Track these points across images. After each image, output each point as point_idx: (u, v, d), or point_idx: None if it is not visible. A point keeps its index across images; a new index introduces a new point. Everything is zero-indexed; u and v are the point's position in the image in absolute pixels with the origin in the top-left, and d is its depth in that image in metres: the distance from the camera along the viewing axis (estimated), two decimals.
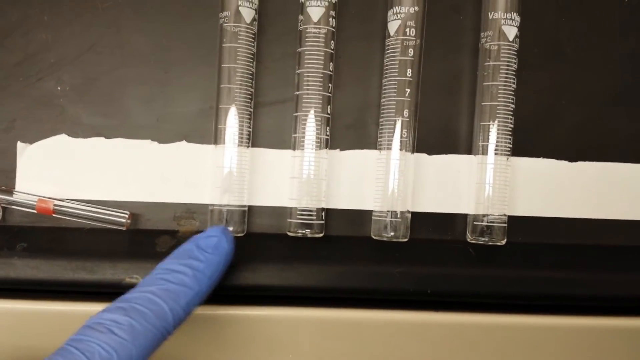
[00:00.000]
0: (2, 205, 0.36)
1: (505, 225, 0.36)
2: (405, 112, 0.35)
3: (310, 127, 0.35)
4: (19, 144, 0.36)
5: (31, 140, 0.36)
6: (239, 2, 0.34)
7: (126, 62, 0.37)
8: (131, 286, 0.34)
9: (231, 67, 0.35)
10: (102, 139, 0.36)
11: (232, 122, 0.35)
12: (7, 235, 0.35)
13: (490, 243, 0.35)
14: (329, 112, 0.35)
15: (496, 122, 0.35)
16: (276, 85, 0.37)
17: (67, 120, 0.37)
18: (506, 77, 0.35)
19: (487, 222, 0.36)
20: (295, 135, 0.36)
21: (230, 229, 0.35)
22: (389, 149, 0.36)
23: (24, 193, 0.35)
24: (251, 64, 0.35)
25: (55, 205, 0.35)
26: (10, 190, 0.36)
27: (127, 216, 0.35)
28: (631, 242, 0.38)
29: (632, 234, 0.38)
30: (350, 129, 0.37)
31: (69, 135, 0.36)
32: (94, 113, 0.37)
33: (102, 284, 0.34)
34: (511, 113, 0.36)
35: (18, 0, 0.37)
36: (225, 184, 0.35)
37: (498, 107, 0.35)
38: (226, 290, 0.34)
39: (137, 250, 0.35)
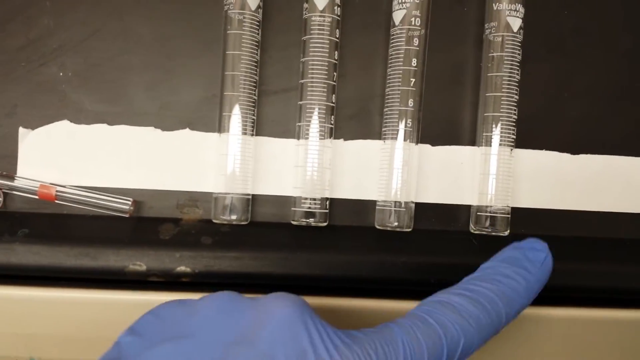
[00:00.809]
0: (4, 190, 0.35)
1: (509, 216, 0.36)
2: (410, 102, 0.35)
3: (315, 116, 0.35)
4: (21, 130, 0.36)
5: (33, 126, 0.36)
6: None
7: (129, 48, 0.37)
8: (135, 273, 0.34)
9: (235, 55, 0.34)
10: (105, 125, 0.36)
11: (237, 110, 0.35)
12: (9, 222, 0.35)
13: (493, 234, 0.36)
14: (333, 101, 0.35)
15: (500, 113, 0.36)
16: (280, 74, 0.37)
17: (70, 106, 0.36)
18: (510, 68, 0.36)
19: (491, 213, 0.36)
20: (299, 124, 0.35)
21: (234, 217, 0.35)
22: (393, 139, 0.36)
23: (26, 179, 0.35)
24: (256, 52, 0.35)
25: (57, 191, 0.35)
26: (11, 176, 0.35)
27: (130, 203, 0.35)
28: (633, 235, 0.38)
29: (634, 227, 0.38)
30: (354, 119, 0.37)
31: (71, 122, 0.36)
32: (97, 99, 0.36)
33: (105, 270, 0.34)
34: (515, 104, 0.36)
35: None
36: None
37: (502, 98, 0.36)
38: (229, 278, 0.34)
39: (140, 238, 0.35)
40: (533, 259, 0.29)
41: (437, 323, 0.25)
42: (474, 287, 0.27)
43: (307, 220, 0.35)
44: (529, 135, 0.38)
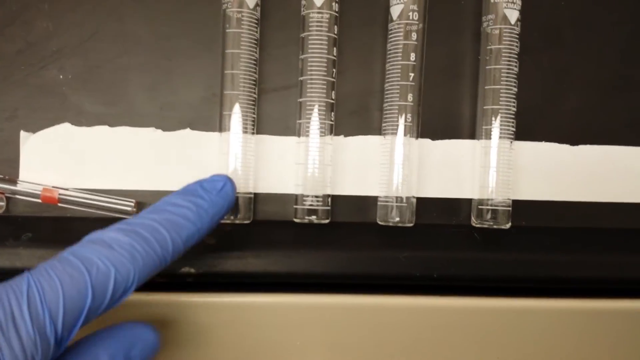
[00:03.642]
0: (6, 195, 0.35)
1: (510, 209, 0.36)
2: (410, 97, 0.35)
3: (315, 113, 0.35)
4: (22, 133, 0.36)
5: (34, 130, 0.36)
6: None
7: (129, 50, 0.37)
8: None
9: (235, 53, 0.35)
10: (106, 127, 0.36)
11: (237, 108, 0.35)
12: (12, 226, 0.35)
13: (495, 226, 0.36)
14: (333, 98, 0.36)
15: (499, 105, 0.36)
16: (280, 72, 0.37)
17: (71, 108, 0.36)
18: (508, 61, 0.36)
19: (492, 206, 0.36)
20: (299, 121, 0.36)
21: (237, 216, 0.35)
22: (394, 134, 0.36)
23: (28, 182, 0.35)
24: (255, 50, 0.35)
25: (60, 194, 0.35)
26: (14, 180, 0.36)
27: (133, 204, 0.35)
28: (634, 225, 0.38)
29: (634, 217, 0.38)
30: (354, 115, 0.38)
31: (72, 124, 0.36)
32: (97, 101, 0.37)
33: None
34: (514, 96, 0.36)
35: None
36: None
37: (501, 91, 0.36)
38: (233, 278, 0.35)
39: None
40: (209, 187, 0.29)
41: (80, 259, 0.25)
42: (133, 220, 0.27)
43: (310, 218, 0.35)
44: (528, 127, 0.38)
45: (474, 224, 0.37)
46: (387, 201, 0.36)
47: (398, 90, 0.35)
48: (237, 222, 0.35)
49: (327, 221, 0.36)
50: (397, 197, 0.36)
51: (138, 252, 0.26)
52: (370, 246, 0.36)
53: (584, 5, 0.39)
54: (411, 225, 0.36)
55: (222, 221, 0.35)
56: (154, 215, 0.28)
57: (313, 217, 0.35)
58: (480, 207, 0.36)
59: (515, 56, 0.36)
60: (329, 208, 0.36)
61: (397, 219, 0.36)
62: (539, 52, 0.38)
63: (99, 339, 0.28)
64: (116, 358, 0.27)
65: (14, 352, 0.22)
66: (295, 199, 0.36)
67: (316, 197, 0.35)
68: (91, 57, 0.37)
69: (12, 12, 0.36)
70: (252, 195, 0.36)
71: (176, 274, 0.34)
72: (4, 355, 0.22)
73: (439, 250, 0.36)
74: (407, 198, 0.36)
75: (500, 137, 0.36)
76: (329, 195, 0.36)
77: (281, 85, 0.37)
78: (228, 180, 0.30)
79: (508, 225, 0.36)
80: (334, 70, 0.35)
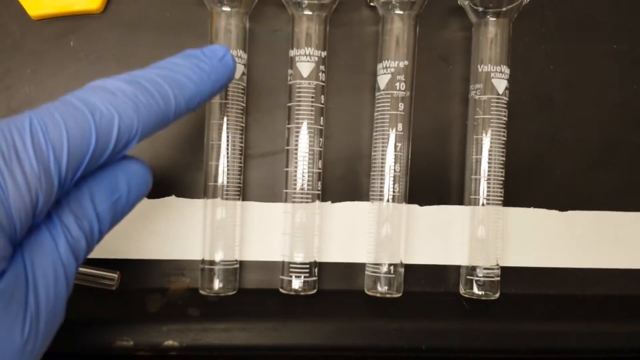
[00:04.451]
0: None
1: (499, 279, 0.36)
2: (397, 166, 0.35)
3: (301, 182, 0.35)
4: None
5: None
6: None
7: None
8: (122, 349, 0.34)
9: (220, 123, 0.34)
10: None
11: (222, 177, 0.34)
12: None
13: (484, 298, 0.35)
14: (320, 167, 0.35)
15: (487, 173, 0.35)
16: (266, 138, 0.37)
17: None
18: (497, 130, 0.35)
19: (480, 277, 0.35)
20: (286, 190, 0.35)
21: (221, 287, 0.34)
22: (381, 200, 0.35)
23: None
24: (241, 119, 0.35)
25: None
26: None
27: (116, 277, 0.34)
28: (624, 292, 0.38)
29: (625, 283, 0.38)
30: (342, 181, 0.37)
31: None
32: None
33: (91, 346, 0.33)
34: (502, 165, 0.36)
35: None
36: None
37: (489, 159, 0.35)
38: (218, 351, 0.34)
39: (127, 311, 0.34)
40: (209, 54, 0.28)
41: (84, 103, 0.24)
42: (135, 72, 0.26)
43: (296, 289, 0.35)
44: (515, 192, 0.37)
45: (462, 294, 0.36)
46: (374, 271, 0.35)
47: (385, 159, 0.35)
48: (222, 294, 0.35)
49: (313, 291, 0.35)
50: (384, 266, 0.35)
51: (141, 102, 0.25)
52: (358, 317, 0.35)
53: (572, 69, 0.39)
54: (399, 295, 0.35)
55: (207, 294, 0.35)
56: (155, 70, 0.26)
57: (299, 289, 0.35)
58: (469, 277, 0.36)
59: (504, 125, 0.36)
60: (315, 278, 0.35)
61: (385, 288, 0.35)
62: (527, 117, 0.38)
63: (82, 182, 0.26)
64: (102, 197, 0.26)
65: (18, 185, 0.21)
66: (282, 268, 0.35)
67: (303, 267, 0.35)
68: None
69: None
70: (238, 266, 0.35)
71: (159, 348, 0.34)
72: (7, 187, 0.21)
73: (427, 321, 0.35)
74: (395, 267, 0.35)
75: (488, 204, 0.36)
76: (316, 264, 0.35)
77: (268, 151, 0.37)
78: (228, 51, 0.29)
79: (497, 296, 0.36)
80: (321, 139, 0.35)
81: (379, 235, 0.35)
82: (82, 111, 0.23)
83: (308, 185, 0.35)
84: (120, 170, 0.26)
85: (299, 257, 0.35)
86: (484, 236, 0.36)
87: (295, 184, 0.35)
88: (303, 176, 0.35)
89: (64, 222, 0.24)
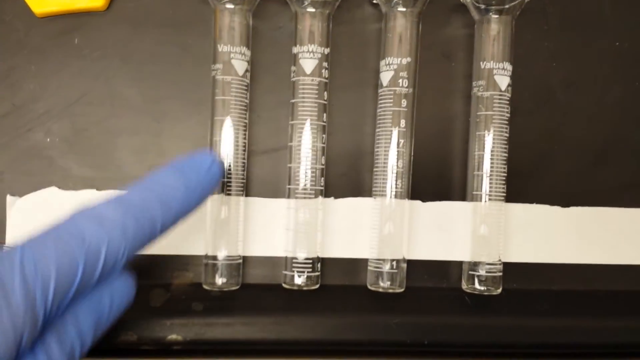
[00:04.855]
0: None
1: (501, 274, 0.36)
2: (400, 163, 0.35)
3: (304, 178, 0.35)
4: (9, 197, 0.36)
5: (21, 193, 0.36)
6: (231, 55, 0.34)
7: (117, 112, 0.36)
8: (126, 343, 0.34)
9: (224, 120, 0.34)
10: (94, 190, 0.36)
11: (226, 173, 0.34)
12: None
13: (485, 293, 0.35)
14: (323, 163, 0.35)
15: (490, 170, 0.35)
16: (269, 134, 0.37)
17: (58, 172, 0.36)
18: (499, 126, 0.36)
19: (483, 272, 0.36)
20: (289, 186, 0.35)
21: (224, 282, 0.35)
22: (384, 196, 0.35)
23: None
24: (244, 116, 0.35)
25: None
26: (0, 245, 0.35)
27: None
28: (626, 287, 0.38)
29: (628, 279, 0.38)
30: (344, 177, 0.37)
31: (59, 188, 0.36)
32: (84, 164, 0.36)
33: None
34: (504, 161, 0.36)
35: (3, 51, 0.36)
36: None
37: (491, 156, 0.35)
38: (221, 345, 0.34)
39: (131, 305, 0.34)
40: (197, 165, 0.29)
41: (71, 233, 0.25)
42: (123, 196, 0.27)
43: (299, 284, 0.35)
44: (518, 188, 0.38)
45: (464, 289, 0.37)
46: (377, 266, 0.35)
47: (387, 155, 0.35)
48: (225, 289, 0.35)
49: (316, 287, 0.35)
50: (387, 262, 0.35)
51: (129, 228, 0.26)
52: (360, 312, 0.35)
53: (575, 66, 0.39)
54: (402, 290, 0.36)
55: (210, 288, 0.35)
56: (143, 192, 0.27)
57: (302, 284, 0.35)
58: (471, 272, 0.36)
59: (506, 122, 0.36)
60: (318, 273, 0.35)
61: (388, 283, 0.35)
62: (529, 114, 0.38)
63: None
64: (85, 319, 0.26)
65: (3, 326, 0.22)
66: (285, 263, 0.35)
67: (305, 262, 0.35)
68: (78, 120, 0.36)
69: None
70: (241, 260, 0.36)
71: (163, 342, 0.34)
72: None
73: (430, 316, 0.35)
74: (398, 263, 0.35)
75: (490, 200, 0.36)
76: (318, 259, 0.36)
77: (271, 147, 0.37)
78: (215, 159, 0.30)
79: (499, 291, 0.36)
80: (324, 135, 0.35)
81: (381, 231, 0.35)
82: (71, 245, 0.24)
83: (311, 181, 0.35)
84: (104, 288, 0.27)
85: (301, 253, 0.35)
86: (486, 232, 0.36)
87: (298, 180, 0.35)
88: (306, 172, 0.35)
89: (48, 350, 0.24)
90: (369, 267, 0.36)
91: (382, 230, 0.35)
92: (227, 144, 0.34)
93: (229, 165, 0.34)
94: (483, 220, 0.36)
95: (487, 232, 0.36)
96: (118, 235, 0.25)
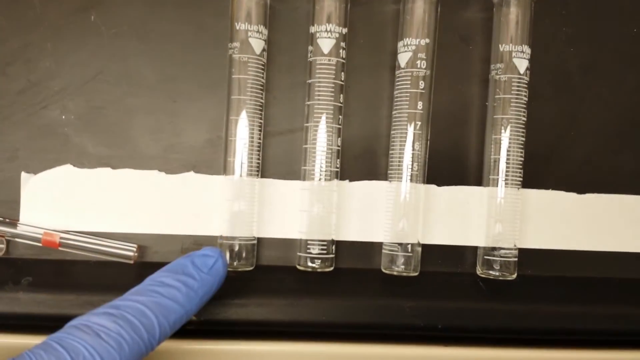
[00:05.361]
0: (7, 237, 0.35)
1: (516, 259, 0.36)
2: (416, 145, 0.35)
3: (320, 160, 0.35)
4: (23, 175, 0.36)
5: (35, 171, 0.36)
6: (249, 34, 0.34)
7: (132, 91, 0.36)
8: None
9: (240, 99, 0.34)
10: (109, 169, 0.36)
11: (242, 153, 0.34)
12: (12, 269, 0.35)
13: (500, 278, 0.35)
14: (339, 145, 0.35)
15: (507, 154, 0.35)
16: (286, 115, 0.37)
17: (73, 150, 0.36)
18: (517, 110, 0.35)
19: (498, 257, 0.35)
20: (304, 167, 0.35)
21: (239, 263, 0.34)
22: (399, 180, 0.35)
23: (30, 225, 0.35)
24: (260, 96, 0.35)
25: (61, 238, 0.34)
26: (14, 223, 0.35)
27: (134, 249, 0.35)
28: None
29: None
30: (360, 160, 0.37)
31: (74, 166, 0.36)
32: (100, 143, 0.36)
33: None
34: (521, 146, 0.36)
35: (20, 28, 0.36)
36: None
37: (509, 140, 0.35)
38: (235, 326, 0.34)
39: None
40: (200, 264, 0.29)
41: (66, 349, 0.25)
42: (121, 303, 0.27)
43: (313, 266, 0.35)
44: (535, 174, 0.37)
45: (479, 273, 0.36)
46: (392, 250, 0.35)
47: (404, 137, 0.35)
48: (240, 269, 0.35)
49: (330, 269, 0.35)
50: (402, 245, 0.35)
51: (125, 339, 0.26)
52: (374, 295, 0.35)
53: (593, 51, 0.38)
54: (416, 274, 0.35)
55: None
56: (142, 298, 0.27)
57: (316, 265, 0.35)
58: (486, 257, 0.36)
59: (524, 105, 0.35)
60: (332, 256, 0.35)
61: (402, 267, 0.35)
62: (547, 99, 0.38)
63: None
64: None
65: None
66: (299, 245, 0.35)
67: (320, 244, 0.35)
68: (94, 97, 0.36)
69: (13, 51, 0.36)
70: (255, 241, 0.36)
71: None
72: None
73: (444, 300, 0.35)
74: (412, 247, 0.35)
75: (506, 185, 0.36)
76: (333, 242, 0.35)
77: (287, 128, 0.37)
78: (220, 256, 0.30)
79: (514, 276, 0.36)
80: (340, 117, 0.35)
81: (396, 214, 0.35)
82: (64, 358, 0.24)
83: (327, 163, 0.35)
84: None
85: (316, 234, 0.35)
86: (501, 217, 0.36)
87: (314, 162, 0.35)
88: (322, 154, 0.35)
89: None
90: (383, 250, 0.36)
91: (397, 213, 0.35)
92: (243, 124, 0.34)
93: (246, 146, 0.34)
94: (499, 205, 0.36)
95: (502, 217, 0.36)
96: (114, 348, 0.25)
